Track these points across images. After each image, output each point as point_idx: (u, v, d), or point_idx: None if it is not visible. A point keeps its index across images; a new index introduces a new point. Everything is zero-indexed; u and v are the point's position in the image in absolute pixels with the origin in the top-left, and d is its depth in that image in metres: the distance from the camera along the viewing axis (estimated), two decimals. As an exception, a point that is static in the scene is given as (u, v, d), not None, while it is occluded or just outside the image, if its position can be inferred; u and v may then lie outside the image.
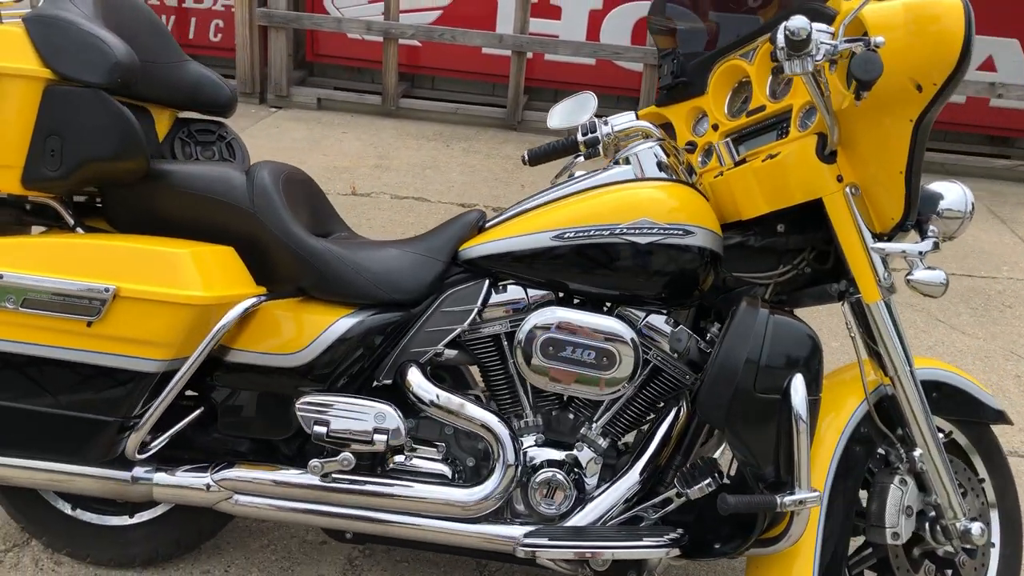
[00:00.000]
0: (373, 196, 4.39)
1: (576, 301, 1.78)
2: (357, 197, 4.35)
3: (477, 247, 1.80)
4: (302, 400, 1.73)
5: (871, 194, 1.66)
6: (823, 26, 1.53)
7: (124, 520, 1.96)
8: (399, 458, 1.80)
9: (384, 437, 1.71)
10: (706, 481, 1.67)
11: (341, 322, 1.75)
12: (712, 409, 1.59)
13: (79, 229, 1.80)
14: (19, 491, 1.92)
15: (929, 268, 1.69)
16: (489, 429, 1.73)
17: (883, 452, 1.78)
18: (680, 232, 1.69)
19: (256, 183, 1.76)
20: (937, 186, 1.74)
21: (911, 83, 1.53)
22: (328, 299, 1.77)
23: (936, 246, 1.69)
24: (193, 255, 1.63)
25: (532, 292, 1.79)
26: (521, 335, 1.71)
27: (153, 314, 1.58)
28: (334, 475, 1.75)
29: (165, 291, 1.58)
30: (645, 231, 1.69)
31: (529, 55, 5.77)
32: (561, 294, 1.79)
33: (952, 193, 1.72)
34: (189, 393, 1.83)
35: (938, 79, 1.51)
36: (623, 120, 1.93)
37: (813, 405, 1.61)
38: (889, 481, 1.76)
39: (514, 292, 1.80)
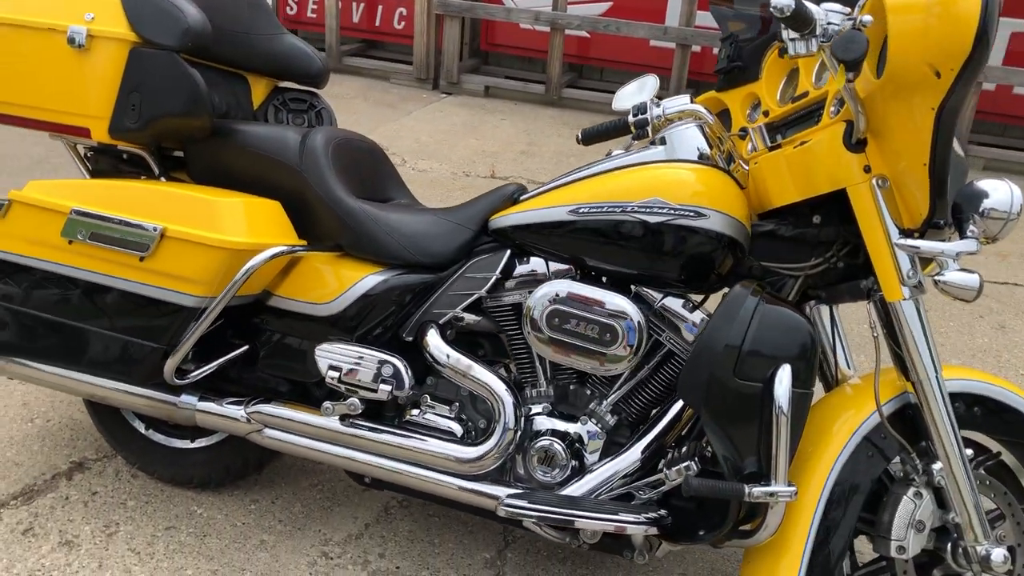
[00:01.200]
0: (510, 180, 4.51)
1: (600, 279, 1.81)
2: (494, 180, 4.48)
3: (504, 218, 1.86)
4: (321, 345, 1.86)
5: (900, 187, 1.58)
6: (835, 5, 1.47)
7: (186, 444, 2.18)
8: (415, 412, 1.90)
9: (388, 387, 1.81)
10: (685, 464, 1.66)
11: (369, 278, 1.87)
12: (690, 390, 1.58)
13: (163, 179, 2.03)
14: (105, 409, 2.18)
15: (963, 270, 1.59)
16: (492, 391, 1.79)
17: (900, 461, 1.68)
18: (691, 214, 1.68)
19: (307, 145, 1.91)
20: (984, 183, 1.62)
21: (930, 69, 1.45)
22: (362, 256, 1.89)
23: (976, 247, 1.58)
24: (230, 204, 1.80)
25: (553, 265, 1.83)
26: (530, 304, 1.76)
27: (192, 254, 1.76)
28: (351, 420, 1.87)
29: (202, 234, 1.75)
30: (656, 210, 1.70)
31: (696, 48, 5.69)
32: (580, 271, 1.82)
33: (998, 192, 1.60)
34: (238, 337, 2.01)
35: (955, 65, 1.42)
36: (676, 103, 1.92)
37: (801, 398, 1.56)
38: (902, 492, 1.67)
39: (536, 264, 1.85)
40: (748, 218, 1.75)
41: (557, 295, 1.74)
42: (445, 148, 4.91)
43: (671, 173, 1.74)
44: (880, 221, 1.59)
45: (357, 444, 1.86)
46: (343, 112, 5.45)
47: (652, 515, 1.67)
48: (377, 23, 6.55)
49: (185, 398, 1.94)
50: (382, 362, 1.82)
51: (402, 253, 1.87)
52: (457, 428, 1.87)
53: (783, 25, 1.44)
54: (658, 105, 1.92)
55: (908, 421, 1.68)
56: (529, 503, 1.69)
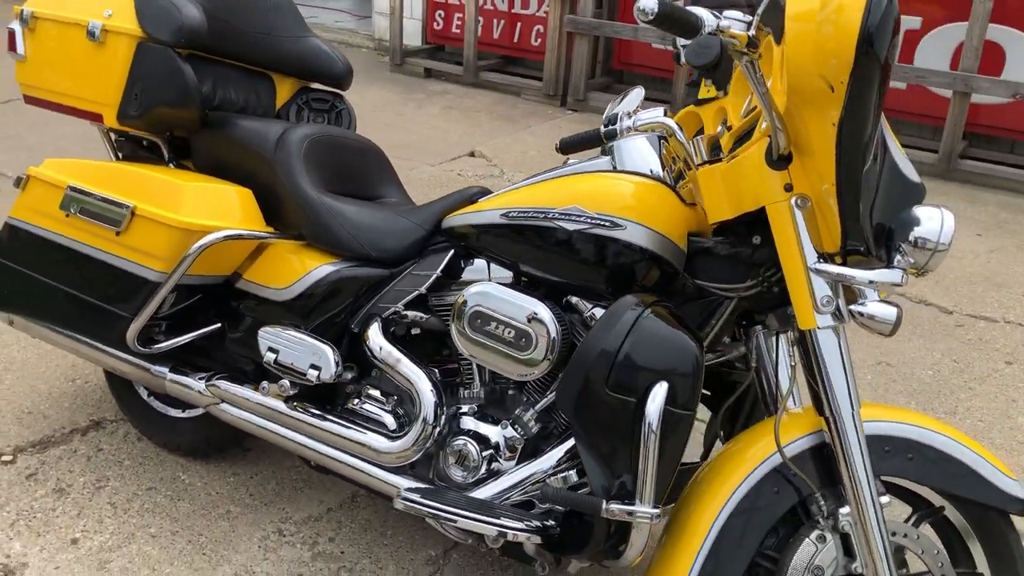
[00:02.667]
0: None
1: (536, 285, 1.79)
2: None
3: (452, 218, 1.89)
4: (263, 328, 1.95)
5: (823, 207, 1.50)
6: (736, 13, 1.42)
7: (177, 413, 2.34)
8: (356, 401, 1.95)
9: (316, 372, 1.88)
10: (564, 473, 1.62)
11: (322, 268, 1.95)
12: (563, 397, 1.55)
13: (171, 164, 2.20)
14: (117, 377, 2.37)
15: (881, 302, 1.49)
16: (415, 386, 1.82)
17: (803, 501, 1.57)
18: (607, 224, 1.66)
19: (283, 139, 2.01)
20: (919, 210, 1.50)
21: (823, 81, 1.37)
22: (321, 247, 1.97)
23: (900, 278, 1.47)
24: (194, 188, 1.93)
25: (496, 268, 1.84)
26: (457, 304, 1.78)
27: (155, 231, 1.90)
28: (293, 404, 1.95)
29: (162, 213, 1.89)
30: (574, 218, 1.68)
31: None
32: (517, 276, 1.82)
33: (930, 221, 1.48)
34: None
35: (843, 77, 1.34)
36: (648, 116, 1.90)
37: (679, 420, 1.49)
38: (806, 535, 1.57)
39: (479, 266, 1.87)
40: (682, 234, 1.69)
41: (480, 296, 1.75)
42: (549, 162, 4.94)
43: (595, 182, 1.72)
44: (797, 243, 1.51)
45: (294, 426, 1.94)
46: (466, 124, 5.62)
47: (537, 524, 1.64)
48: (515, 39, 6.68)
49: (158, 367, 2.09)
50: (314, 348, 1.89)
51: (355, 246, 1.93)
52: (390, 421, 1.91)
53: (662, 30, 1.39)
54: (630, 117, 1.90)
55: (825, 460, 1.57)
56: (423, 498, 1.71)
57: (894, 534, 1.61)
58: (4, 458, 2.32)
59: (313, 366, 1.89)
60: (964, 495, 1.60)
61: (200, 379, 2.06)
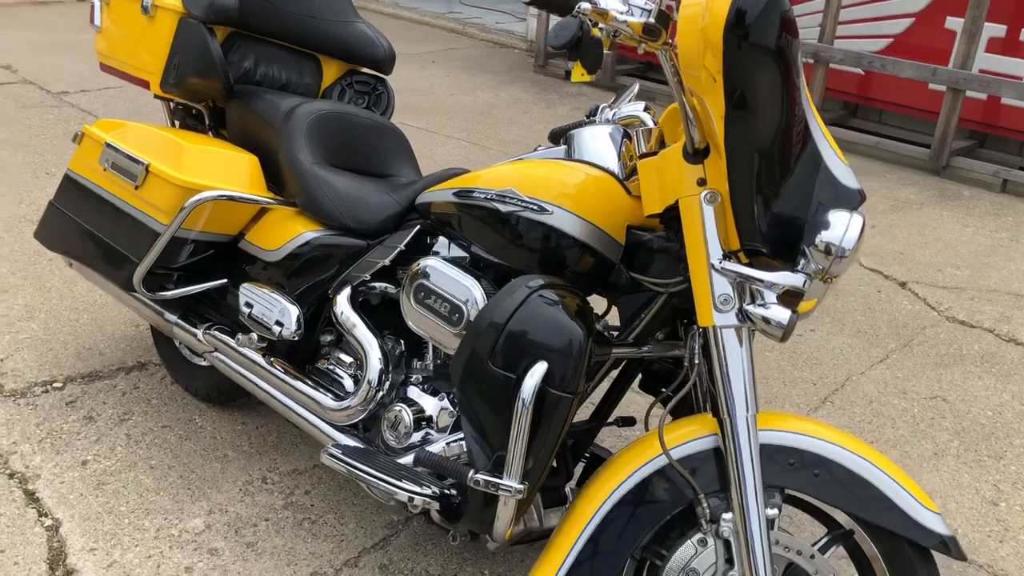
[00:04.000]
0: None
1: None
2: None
3: (421, 195, 1.97)
4: (244, 284, 2.10)
5: (725, 205, 1.48)
6: (641, 1, 1.42)
7: (199, 361, 2.53)
8: (324, 362, 2.07)
9: (280, 328, 2.00)
10: (458, 441, 1.65)
11: (306, 234, 2.07)
12: (454, 367, 1.59)
13: (210, 132, 2.40)
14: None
15: (776, 305, 1.44)
16: (364, 351, 1.90)
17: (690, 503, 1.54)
18: (536, 208, 1.68)
19: (291, 112, 2.16)
20: (832, 214, 1.45)
21: (707, 73, 1.35)
22: (310, 215, 2.10)
23: (802, 282, 1.42)
24: (198, 150, 2.11)
25: (454, 247, 1.91)
26: (406, 276, 1.85)
27: (161, 187, 2.09)
28: (269, 358, 2.08)
29: (167, 171, 2.07)
30: (507, 200, 1.72)
31: (982, 96, 5.11)
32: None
33: (836, 226, 1.42)
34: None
35: (719, 66, 1.32)
36: (626, 109, 1.93)
37: (556, 400, 1.50)
38: (690, 536, 1.54)
39: (443, 243, 1.94)
40: (619, 226, 1.69)
41: (424, 269, 1.82)
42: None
43: (535, 168, 1.74)
44: (702, 238, 1.49)
45: (265, 377, 2.08)
46: (542, 123, 5.63)
47: (436, 491, 1.68)
48: (657, 45, 6.64)
49: (169, 314, 2.28)
50: (281, 307, 2.02)
51: (336, 216, 2.05)
52: (349, 383, 2.01)
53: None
54: (610, 109, 1.93)
55: (719, 464, 1.54)
56: (344, 455, 1.79)
57: (799, 553, 1.55)
58: (55, 384, 2.60)
59: (278, 322, 2.02)
60: (872, 521, 1.51)
61: (200, 328, 2.23)
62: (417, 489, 1.68)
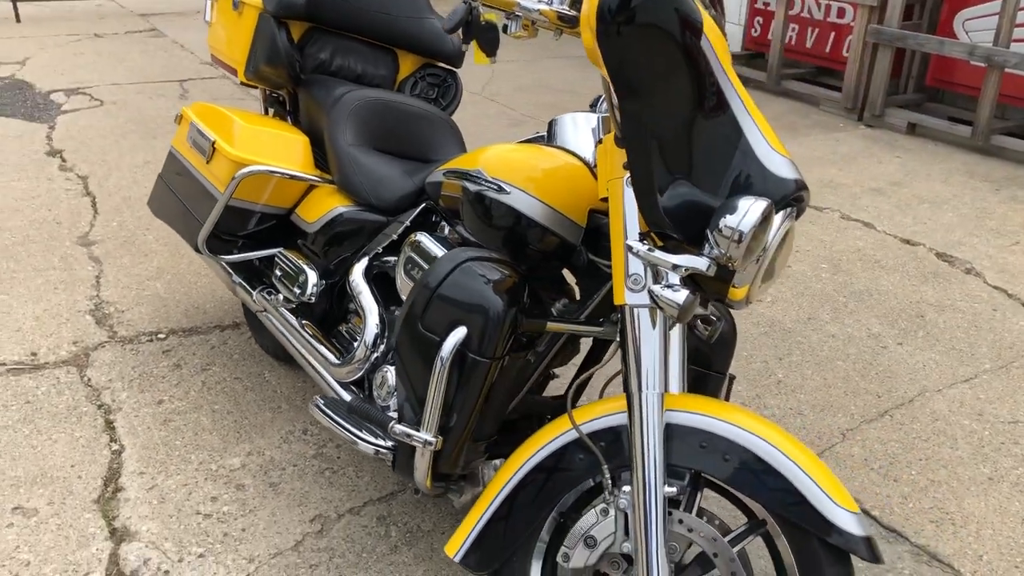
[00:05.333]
0: (824, 212, 4.27)
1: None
2: (808, 209, 4.28)
3: (428, 175, 2.12)
4: (279, 250, 2.33)
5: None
6: None
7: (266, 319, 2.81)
8: (344, 326, 2.27)
9: (299, 291, 2.21)
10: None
11: (338, 208, 2.28)
12: (396, 327, 1.72)
13: (288, 118, 2.67)
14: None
15: (674, 287, 1.48)
16: (365, 315, 2.08)
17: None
18: (496, 188, 1.79)
19: (340, 98, 2.38)
20: (740, 200, 1.46)
21: (597, 54, 1.41)
22: (345, 193, 2.30)
23: (704, 265, 1.46)
24: (251, 129, 2.36)
25: (450, 225, 2.05)
26: (401, 250, 2.01)
27: (221, 160, 2.36)
28: (301, 319, 2.30)
29: (225, 147, 2.34)
30: (475, 179, 1.84)
31: None
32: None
33: (737, 212, 1.44)
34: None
35: (598, 57, 1.37)
36: None
37: (474, 364, 1.60)
38: (596, 505, 1.59)
39: (444, 223, 2.08)
40: (580, 209, 1.77)
41: (413, 244, 1.97)
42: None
43: (504, 150, 1.85)
44: (621, 220, 1.55)
45: (292, 334, 2.30)
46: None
47: (391, 444, 1.81)
48: (827, 49, 6.39)
49: (236, 276, 2.56)
50: (302, 272, 2.23)
51: (363, 193, 2.24)
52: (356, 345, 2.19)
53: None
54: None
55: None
56: (324, 406, 1.96)
57: (703, 535, 1.56)
58: (159, 335, 2.97)
59: (299, 286, 2.23)
60: (780, 513, 1.51)
61: (256, 290, 2.49)
62: (372, 440, 1.83)
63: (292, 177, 2.34)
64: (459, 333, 1.61)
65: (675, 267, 1.47)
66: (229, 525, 2.16)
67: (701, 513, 1.64)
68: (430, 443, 1.63)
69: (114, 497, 2.23)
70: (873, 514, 2.28)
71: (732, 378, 2.07)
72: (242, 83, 2.67)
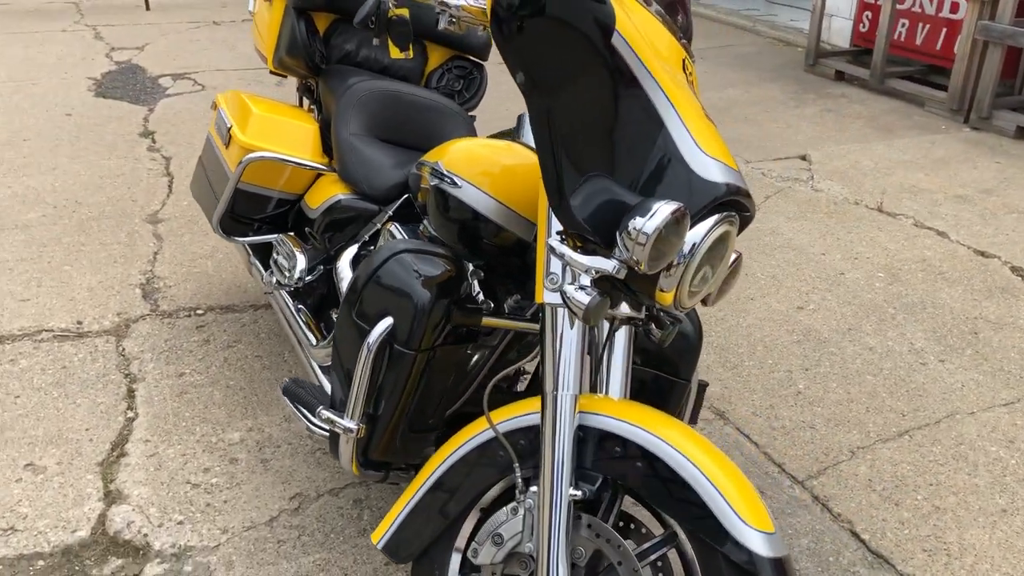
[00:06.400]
0: (897, 218, 4.05)
1: None
2: (879, 214, 4.08)
3: (412, 167, 2.15)
4: (279, 235, 2.40)
5: None
6: None
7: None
8: (335, 311, 2.32)
9: (289, 274, 2.28)
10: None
11: (336, 196, 2.34)
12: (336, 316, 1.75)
13: (315, 106, 2.76)
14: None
15: (585, 288, 1.45)
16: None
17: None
18: (450, 181, 1.80)
19: (349, 88, 2.43)
20: (654, 203, 1.42)
21: None
22: (344, 180, 2.36)
23: (611, 266, 1.44)
24: (262, 116, 2.45)
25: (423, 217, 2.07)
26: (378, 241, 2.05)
27: (234, 146, 2.46)
28: (296, 303, 2.38)
29: (237, 133, 2.43)
30: (436, 172, 1.85)
31: None
32: None
33: (647, 213, 1.40)
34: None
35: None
36: None
37: (398, 355, 1.63)
38: (507, 502, 1.58)
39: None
40: (533, 204, 1.76)
41: (384, 233, 2.00)
42: (877, 177, 4.56)
43: (465, 145, 1.85)
44: (545, 218, 1.54)
45: (287, 317, 2.37)
46: (828, 128, 5.37)
47: (348, 425, 1.83)
48: (938, 46, 6.05)
49: (253, 257, 2.66)
50: (293, 255, 2.30)
51: (358, 181, 2.29)
52: None
53: None
54: None
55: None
56: (291, 385, 2.01)
57: (608, 542, 1.53)
58: (198, 311, 3.12)
59: (288, 269, 2.30)
60: (686, 525, 1.47)
61: (266, 272, 2.58)
62: (318, 423, 1.87)
63: (294, 164, 2.41)
64: (385, 323, 1.63)
65: (586, 269, 1.45)
66: (214, 496, 2.25)
67: (628, 520, 1.61)
68: (351, 430, 1.66)
69: (117, 462, 2.36)
70: (863, 537, 2.17)
71: (704, 385, 2.02)
72: (271, 72, 2.76)
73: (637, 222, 1.37)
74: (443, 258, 1.71)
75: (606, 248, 1.45)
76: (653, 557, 1.54)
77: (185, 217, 3.86)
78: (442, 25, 1.52)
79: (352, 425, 1.67)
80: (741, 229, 1.60)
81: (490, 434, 1.61)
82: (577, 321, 1.52)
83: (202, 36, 7.28)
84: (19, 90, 5.60)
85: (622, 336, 1.69)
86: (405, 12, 1.55)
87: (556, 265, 1.50)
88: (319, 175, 2.48)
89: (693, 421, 2.02)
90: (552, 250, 1.49)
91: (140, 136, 4.86)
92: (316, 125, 2.50)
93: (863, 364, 2.89)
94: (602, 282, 1.48)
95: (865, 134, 5.28)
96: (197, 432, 2.49)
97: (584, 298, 1.42)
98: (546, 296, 1.51)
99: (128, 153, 4.60)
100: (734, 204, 1.49)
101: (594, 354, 1.74)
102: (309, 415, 1.90)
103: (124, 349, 2.88)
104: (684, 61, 1.58)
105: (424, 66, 2.76)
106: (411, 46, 2.72)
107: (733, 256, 1.60)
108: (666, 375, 1.90)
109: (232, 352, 2.88)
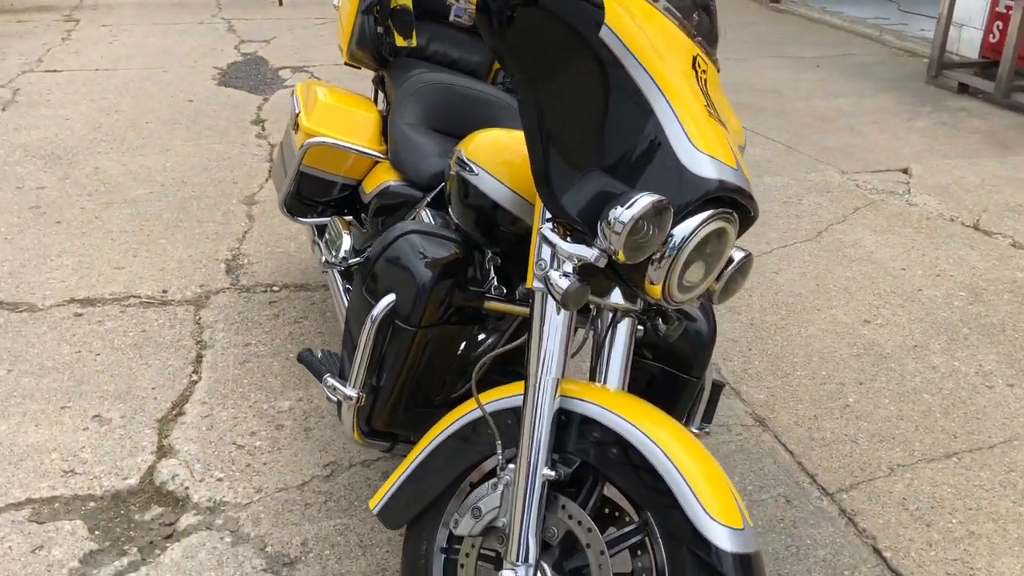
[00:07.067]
0: (994, 237, 3.87)
1: None
2: (974, 231, 3.91)
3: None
4: (332, 219, 2.52)
5: None
6: None
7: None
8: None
9: (335, 254, 2.39)
10: None
11: (387, 182, 2.45)
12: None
13: (384, 97, 2.89)
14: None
15: (567, 276, 1.49)
16: None
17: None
18: (469, 169, 1.87)
19: (409, 79, 2.54)
20: (637, 194, 1.45)
21: None
22: (395, 167, 2.46)
23: (591, 254, 1.47)
24: (325, 104, 2.58)
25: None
26: (413, 225, 2.14)
27: (300, 132, 2.60)
28: (344, 282, 2.49)
29: (302, 119, 2.57)
30: (459, 160, 1.92)
31: None
32: None
33: (625, 204, 1.43)
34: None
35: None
36: None
37: (398, 331, 1.71)
38: (490, 478, 1.64)
39: (456, 201, 2.19)
40: None
41: (416, 219, 2.09)
42: (981, 194, 4.36)
43: (492, 134, 1.92)
44: (539, 205, 1.60)
45: (335, 295, 2.49)
46: (939, 142, 5.16)
47: (349, 393, 1.92)
48: None
49: (316, 237, 2.80)
50: (340, 236, 2.42)
51: (406, 168, 2.39)
52: None
53: None
54: None
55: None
56: (309, 356, 2.09)
57: (580, 524, 1.56)
58: (274, 288, 3.30)
59: (335, 249, 2.42)
60: (652, 514, 1.50)
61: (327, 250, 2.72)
62: (329, 387, 1.96)
63: (351, 150, 2.53)
64: (388, 299, 1.71)
65: (569, 255, 1.49)
66: (255, 458, 2.40)
67: (613, 507, 1.64)
68: (350, 398, 1.76)
69: (174, 419, 2.54)
70: (884, 555, 2.12)
71: (720, 386, 2.02)
72: (345, 63, 2.90)
73: (616, 211, 1.40)
74: (450, 241, 1.78)
75: (593, 237, 1.48)
76: (627, 544, 1.57)
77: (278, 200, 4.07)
78: (452, 17, 1.59)
79: (352, 393, 1.76)
80: (744, 229, 1.60)
81: (474, 415, 1.66)
82: (564, 308, 1.55)
83: (326, 32, 7.59)
84: (150, 77, 6.01)
85: (624, 329, 1.71)
86: (408, 1, 1.62)
87: (546, 252, 1.55)
88: (376, 162, 2.59)
89: (707, 421, 2.02)
90: (543, 237, 1.54)
91: (251, 123, 5.14)
92: (377, 114, 2.62)
93: (922, 382, 2.79)
94: (587, 270, 1.52)
95: (978, 149, 5.04)
96: (251, 398, 2.65)
97: (564, 283, 1.46)
98: (535, 282, 1.56)
99: (237, 139, 4.87)
100: (733, 203, 1.50)
101: (595, 345, 1.77)
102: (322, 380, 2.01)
103: (200, 318, 3.08)
104: (696, 58, 1.59)
105: (492, 63, 2.84)
106: (478, 41, 2.80)
107: (740, 255, 1.61)
108: (676, 372, 1.91)
109: (297, 327, 3.03)
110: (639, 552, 1.60)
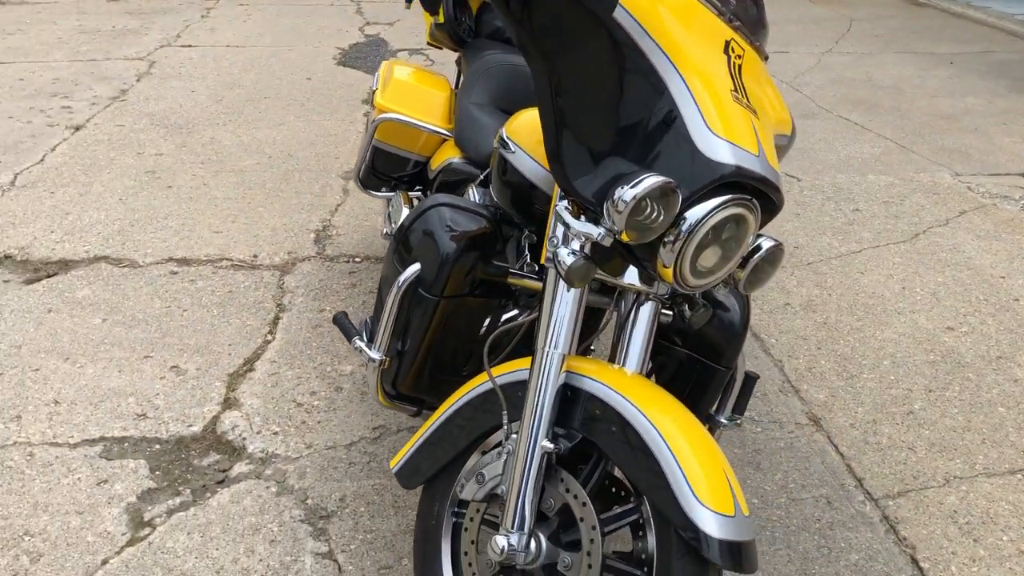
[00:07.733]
0: (1111, 249, 3.63)
1: None
2: (1089, 242, 3.67)
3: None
4: (395, 193, 2.61)
5: None
6: None
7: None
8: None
9: (394, 226, 2.47)
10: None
11: (451, 159, 2.52)
12: None
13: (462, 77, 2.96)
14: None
15: (574, 253, 1.51)
16: None
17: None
18: (508, 147, 1.91)
19: (480, 59, 2.60)
20: (641, 173, 1.46)
21: None
22: (459, 145, 2.53)
23: (596, 232, 1.50)
24: (400, 81, 2.66)
25: None
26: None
27: (375, 107, 2.70)
28: None
29: (377, 96, 2.67)
30: (501, 138, 1.96)
31: None
32: None
33: (631, 184, 1.45)
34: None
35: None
36: None
37: (420, 299, 1.77)
38: (497, 446, 1.68)
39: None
40: None
41: (466, 194, 2.15)
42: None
43: (530, 113, 1.94)
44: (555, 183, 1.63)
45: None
46: (1012, 136, 4.86)
47: (373, 355, 1.98)
48: None
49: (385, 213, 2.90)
50: (399, 208, 2.50)
51: (466, 146, 2.45)
52: None
53: None
54: None
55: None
56: (343, 318, 2.14)
57: (576, 497, 1.59)
58: (356, 260, 3.44)
59: (395, 221, 2.50)
60: (644, 493, 1.51)
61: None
62: (360, 347, 2.02)
63: (418, 127, 2.61)
64: (413, 268, 1.78)
65: (577, 233, 1.51)
66: (311, 416, 2.52)
67: (618, 486, 1.66)
68: (374, 360, 1.83)
69: (244, 375, 2.69)
70: (922, 566, 2.05)
71: (754, 378, 2.00)
72: (428, 44, 2.98)
73: (620, 191, 1.42)
74: (480, 216, 1.83)
75: (601, 216, 1.50)
76: (623, 523, 1.59)
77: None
78: None
79: (377, 356, 1.84)
80: (768, 218, 1.59)
81: (487, 386, 1.71)
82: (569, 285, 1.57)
83: (449, 15, 7.73)
84: (276, 55, 6.28)
85: (646, 312, 1.72)
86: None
87: (560, 229, 1.57)
88: (444, 140, 2.66)
89: (739, 412, 1.99)
90: (558, 215, 1.57)
91: (362, 102, 5.31)
92: (449, 93, 2.69)
93: (999, 395, 2.66)
94: (598, 249, 1.54)
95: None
96: (317, 360, 2.77)
97: (569, 259, 1.49)
98: (547, 258, 1.59)
99: (347, 116, 5.06)
100: (756, 191, 1.49)
101: (617, 326, 1.79)
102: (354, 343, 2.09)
103: (284, 283, 3.23)
104: (730, 43, 1.58)
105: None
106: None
107: (769, 244, 1.59)
108: (705, 360, 1.90)
109: (371, 297, 3.15)
110: (640, 533, 1.61)
